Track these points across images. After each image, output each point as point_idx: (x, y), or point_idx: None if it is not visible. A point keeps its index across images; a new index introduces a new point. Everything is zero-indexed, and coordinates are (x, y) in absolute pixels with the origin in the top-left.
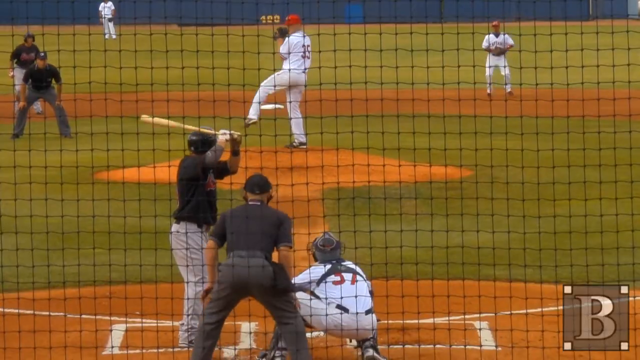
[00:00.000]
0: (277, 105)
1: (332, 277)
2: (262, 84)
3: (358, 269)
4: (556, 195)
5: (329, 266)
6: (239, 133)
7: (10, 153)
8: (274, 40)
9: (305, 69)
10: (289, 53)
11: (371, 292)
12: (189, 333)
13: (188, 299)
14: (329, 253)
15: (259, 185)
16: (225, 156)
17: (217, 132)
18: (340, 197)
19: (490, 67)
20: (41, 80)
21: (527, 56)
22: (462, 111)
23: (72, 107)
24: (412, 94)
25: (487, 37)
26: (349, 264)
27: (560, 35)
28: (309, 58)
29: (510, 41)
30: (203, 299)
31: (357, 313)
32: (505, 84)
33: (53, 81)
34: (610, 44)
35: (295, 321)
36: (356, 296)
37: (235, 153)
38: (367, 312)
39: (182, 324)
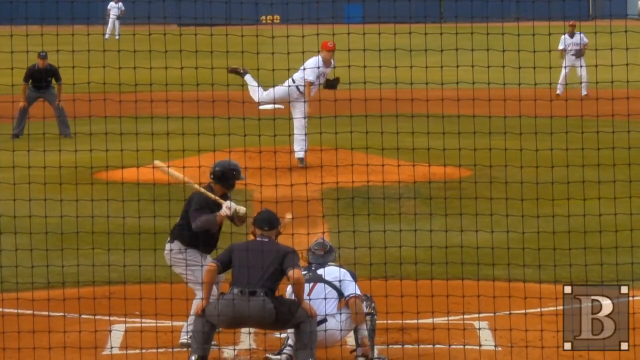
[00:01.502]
0: (277, 106)
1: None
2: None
3: (324, 272)
4: (555, 195)
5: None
6: (244, 209)
7: (9, 153)
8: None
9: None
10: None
11: (346, 296)
12: (189, 332)
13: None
14: (321, 257)
15: (268, 221)
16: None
17: (222, 202)
18: (339, 197)
19: (566, 67)
20: (41, 80)
21: (526, 56)
22: (461, 111)
23: (71, 107)
24: (411, 93)
25: (562, 38)
26: (320, 270)
27: (559, 35)
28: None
29: (585, 40)
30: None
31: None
32: (581, 84)
33: (53, 81)
34: (608, 44)
35: (304, 326)
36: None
37: (237, 224)
38: (319, 322)
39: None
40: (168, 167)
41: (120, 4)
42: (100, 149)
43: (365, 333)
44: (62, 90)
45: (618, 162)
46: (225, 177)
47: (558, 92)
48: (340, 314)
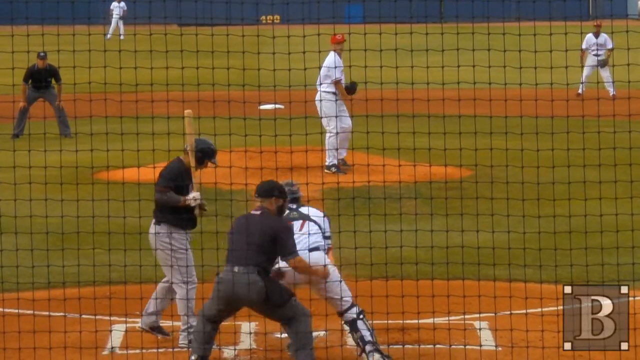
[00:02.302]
0: (277, 105)
1: None
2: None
3: (308, 211)
4: (556, 195)
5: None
6: (207, 209)
7: (10, 153)
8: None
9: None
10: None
11: (325, 234)
12: (188, 332)
13: (180, 299)
14: (297, 193)
15: (260, 189)
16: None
17: (188, 197)
18: (340, 197)
19: (588, 66)
20: (41, 80)
21: (527, 56)
22: (462, 111)
23: (71, 107)
24: (412, 93)
25: (586, 37)
26: (304, 208)
27: (560, 35)
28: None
29: (610, 44)
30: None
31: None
32: (606, 83)
33: (53, 81)
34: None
35: (297, 323)
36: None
37: (197, 213)
38: (312, 249)
39: (181, 324)
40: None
41: (123, 3)
42: (101, 149)
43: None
44: (63, 91)
45: (619, 162)
46: (205, 154)
47: (579, 91)
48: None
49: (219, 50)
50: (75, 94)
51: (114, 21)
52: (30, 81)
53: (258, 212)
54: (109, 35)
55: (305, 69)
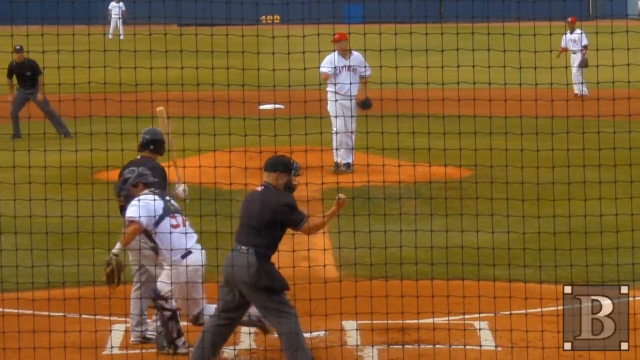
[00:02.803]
0: (277, 105)
1: (169, 220)
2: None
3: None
4: (556, 196)
5: (160, 202)
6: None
7: (9, 153)
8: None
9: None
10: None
11: None
12: (143, 330)
13: (141, 298)
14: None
15: (266, 162)
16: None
17: (177, 184)
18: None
19: (574, 66)
20: (21, 74)
21: (527, 56)
22: (461, 111)
23: (71, 107)
24: (411, 94)
25: (564, 37)
26: (172, 201)
27: (559, 35)
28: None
29: (585, 41)
30: None
31: (200, 249)
32: (574, 84)
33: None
34: (609, 44)
35: (289, 321)
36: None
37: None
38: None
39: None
40: (168, 118)
41: (122, 3)
42: (100, 148)
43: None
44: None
45: (619, 163)
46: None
47: (576, 92)
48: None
49: (218, 50)
50: (75, 94)
51: (113, 21)
52: (14, 78)
53: (260, 189)
54: (110, 36)
55: (305, 69)
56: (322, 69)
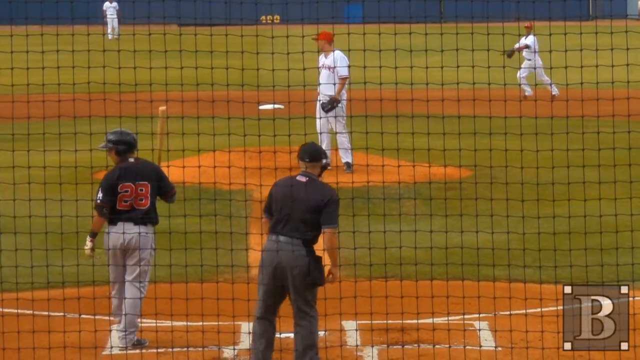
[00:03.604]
0: (277, 105)
1: None
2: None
3: None
4: (555, 196)
5: None
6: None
7: (9, 153)
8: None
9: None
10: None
11: None
12: (128, 332)
13: (135, 298)
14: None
15: (309, 153)
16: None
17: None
18: (339, 198)
19: (525, 68)
20: None
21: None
22: (461, 111)
23: (71, 107)
24: (411, 94)
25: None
26: None
27: (559, 35)
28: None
29: (524, 41)
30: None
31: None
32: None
33: None
34: (609, 44)
35: (316, 320)
36: None
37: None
38: None
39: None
40: (167, 117)
41: (115, 3)
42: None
43: None
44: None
45: (619, 163)
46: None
47: (553, 92)
48: None
49: (218, 50)
50: (74, 94)
51: (109, 21)
52: None
53: (304, 180)
54: (110, 36)
55: (304, 69)
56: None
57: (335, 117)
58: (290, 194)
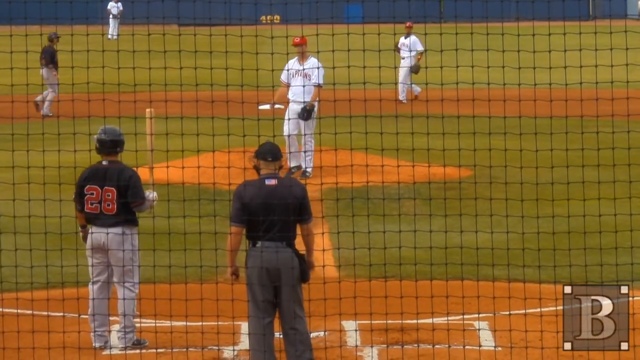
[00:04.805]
0: (277, 105)
1: None
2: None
3: None
4: (555, 196)
5: None
6: (156, 201)
7: (8, 153)
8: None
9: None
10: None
11: None
12: (127, 332)
13: (128, 299)
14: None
15: (271, 152)
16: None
17: (150, 199)
18: (339, 198)
19: (403, 67)
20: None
21: (526, 56)
22: (460, 111)
23: (70, 107)
24: (411, 94)
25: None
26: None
27: (558, 35)
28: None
29: (419, 46)
30: (232, 280)
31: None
32: (413, 85)
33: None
34: (608, 44)
35: (304, 322)
36: None
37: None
38: None
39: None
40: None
41: (120, 3)
42: None
43: None
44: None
45: (618, 163)
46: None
47: (401, 97)
48: None
49: (217, 51)
50: (73, 94)
51: (112, 21)
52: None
53: (274, 182)
54: (110, 36)
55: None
56: (281, 77)
57: (305, 120)
58: (266, 199)
